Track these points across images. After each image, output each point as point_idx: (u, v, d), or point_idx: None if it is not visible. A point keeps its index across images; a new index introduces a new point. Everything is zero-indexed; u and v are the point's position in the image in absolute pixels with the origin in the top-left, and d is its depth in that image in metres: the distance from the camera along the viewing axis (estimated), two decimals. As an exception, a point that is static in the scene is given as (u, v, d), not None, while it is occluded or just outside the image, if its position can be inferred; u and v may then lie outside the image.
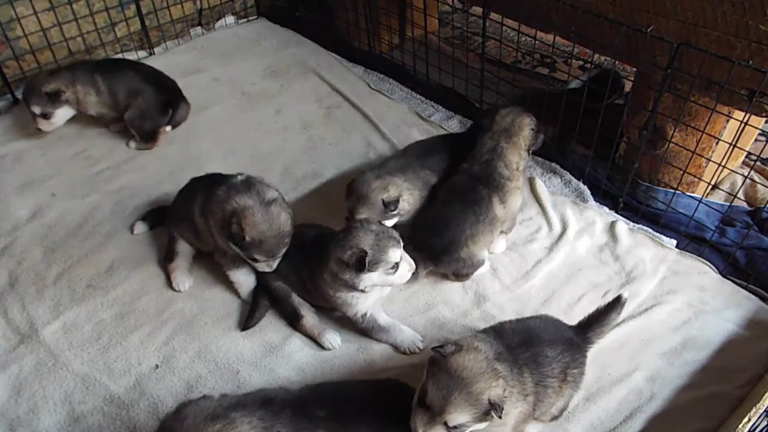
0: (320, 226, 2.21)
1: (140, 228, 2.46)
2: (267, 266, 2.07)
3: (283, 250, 2.05)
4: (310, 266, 2.01)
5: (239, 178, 2.10)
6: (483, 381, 1.46)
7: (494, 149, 2.24)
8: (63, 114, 2.82)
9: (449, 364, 1.49)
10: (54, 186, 2.70)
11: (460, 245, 2.13)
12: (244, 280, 2.20)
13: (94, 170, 2.80)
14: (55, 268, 2.31)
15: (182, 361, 2.00)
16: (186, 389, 1.92)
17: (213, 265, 2.32)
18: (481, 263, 2.22)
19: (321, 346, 2.05)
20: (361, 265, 1.81)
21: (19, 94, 3.17)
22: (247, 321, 2.11)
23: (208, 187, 2.12)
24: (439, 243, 2.15)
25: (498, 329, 1.71)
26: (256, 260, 2.04)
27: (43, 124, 2.81)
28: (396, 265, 1.86)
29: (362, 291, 1.91)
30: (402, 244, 1.90)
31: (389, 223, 2.19)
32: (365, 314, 2.01)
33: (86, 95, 2.83)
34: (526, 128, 2.28)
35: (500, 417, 1.44)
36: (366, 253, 1.80)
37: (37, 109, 2.75)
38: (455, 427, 1.47)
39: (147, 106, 2.85)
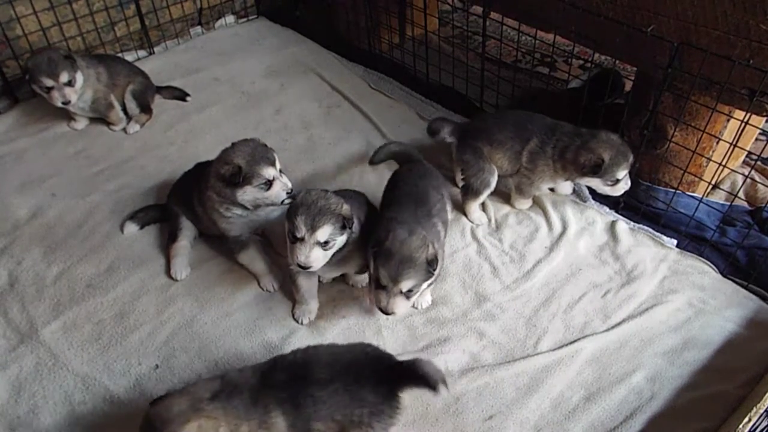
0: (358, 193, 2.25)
1: (130, 228, 2.45)
2: (282, 185, 2.12)
3: (277, 162, 2.13)
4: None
5: None
6: (176, 422, 1.44)
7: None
8: (80, 79, 2.80)
9: (150, 410, 1.50)
10: (54, 186, 2.70)
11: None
12: (253, 257, 2.25)
13: (94, 170, 2.79)
14: (55, 268, 2.31)
15: (182, 361, 2.00)
16: (186, 389, 1.92)
17: (213, 265, 2.32)
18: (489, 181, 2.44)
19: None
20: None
21: (19, 95, 3.18)
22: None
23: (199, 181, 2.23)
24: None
25: (277, 362, 1.65)
26: (269, 182, 2.08)
27: (69, 94, 2.75)
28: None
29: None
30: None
31: (423, 285, 1.89)
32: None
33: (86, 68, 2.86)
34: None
35: None
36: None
37: (65, 77, 2.70)
38: None
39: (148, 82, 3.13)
